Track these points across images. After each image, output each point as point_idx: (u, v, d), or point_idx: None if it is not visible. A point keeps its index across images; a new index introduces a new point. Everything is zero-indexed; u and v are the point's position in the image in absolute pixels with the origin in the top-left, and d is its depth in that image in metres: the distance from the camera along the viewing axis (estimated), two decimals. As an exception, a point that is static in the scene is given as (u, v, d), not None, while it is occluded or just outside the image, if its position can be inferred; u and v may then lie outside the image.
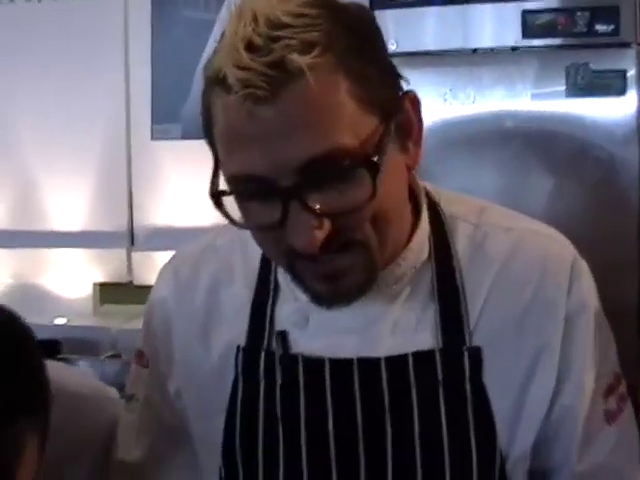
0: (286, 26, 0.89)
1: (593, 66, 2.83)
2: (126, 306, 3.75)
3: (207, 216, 3.58)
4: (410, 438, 1.06)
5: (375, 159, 0.93)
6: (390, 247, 1.03)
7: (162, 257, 4.16)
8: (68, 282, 3.85)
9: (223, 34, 0.94)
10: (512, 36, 2.92)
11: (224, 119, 0.94)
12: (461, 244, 1.12)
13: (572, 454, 1.10)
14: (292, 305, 1.12)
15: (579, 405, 1.09)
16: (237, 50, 0.89)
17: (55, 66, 3.79)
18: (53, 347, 3.30)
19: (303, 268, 1.01)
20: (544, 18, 2.91)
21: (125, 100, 3.79)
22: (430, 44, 2.96)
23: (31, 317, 0.99)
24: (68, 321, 3.66)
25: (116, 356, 3.20)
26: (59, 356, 3.10)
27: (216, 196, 0.98)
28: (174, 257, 1.25)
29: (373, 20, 1.00)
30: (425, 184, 1.15)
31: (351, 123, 0.91)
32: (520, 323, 1.08)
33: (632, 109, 2.85)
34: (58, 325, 3.61)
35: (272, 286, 1.14)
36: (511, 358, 1.08)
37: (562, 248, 1.14)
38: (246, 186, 0.95)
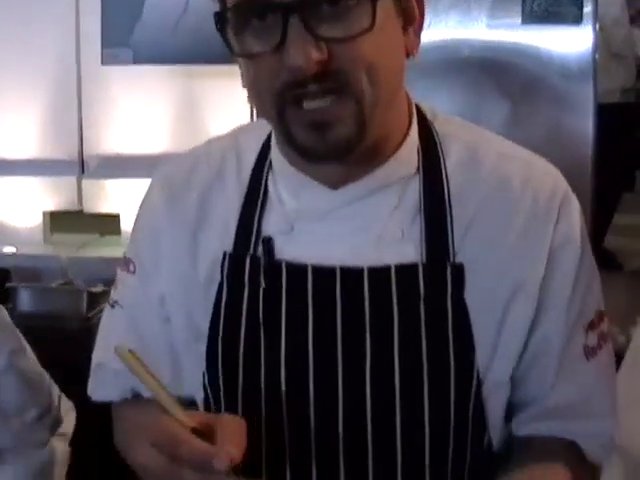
0: None
1: (549, -6, 2.83)
2: (76, 234, 3.73)
3: (158, 143, 3.57)
4: (389, 349, 1.07)
5: None
6: (381, 115, 1.02)
7: (113, 185, 4.12)
8: (18, 211, 3.81)
9: None
10: (469, -39, 2.90)
11: None
12: (453, 161, 1.12)
13: (546, 386, 1.12)
14: (278, 211, 1.12)
15: (558, 337, 1.10)
16: None
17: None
18: (2, 276, 3.27)
19: (292, 115, 1.00)
20: (501, -56, 2.89)
21: (75, 24, 3.71)
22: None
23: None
24: (17, 250, 3.63)
25: (67, 284, 3.17)
26: (7, 284, 3.07)
27: (220, 23, 1.00)
28: (167, 165, 1.24)
29: None
30: (420, 103, 1.17)
31: None
32: (506, 248, 1.09)
33: (588, 42, 2.85)
34: (7, 254, 3.58)
35: (261, 194, 1.14)
36: (494, 281, 1.08)
37: (555, 181, 1.14)
38: (248, 7, 0.97)
